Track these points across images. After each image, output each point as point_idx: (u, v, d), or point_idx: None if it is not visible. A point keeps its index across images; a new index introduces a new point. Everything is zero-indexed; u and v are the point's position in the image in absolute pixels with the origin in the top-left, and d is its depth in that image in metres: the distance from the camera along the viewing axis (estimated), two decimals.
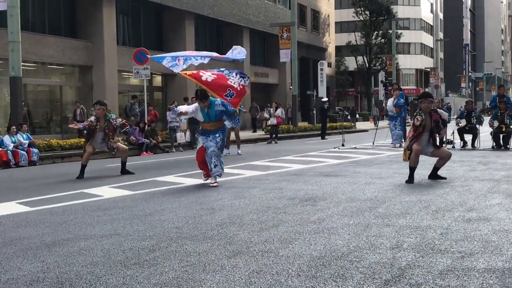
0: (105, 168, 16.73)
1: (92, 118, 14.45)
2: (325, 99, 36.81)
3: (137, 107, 27.76)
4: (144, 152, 23.48)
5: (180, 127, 25.51)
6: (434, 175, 11.65)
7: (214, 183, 11.54)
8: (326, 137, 32.44)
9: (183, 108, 12.35)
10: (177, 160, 19.55)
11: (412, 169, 11.30)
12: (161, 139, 25.33)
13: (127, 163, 14.70)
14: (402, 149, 20.23)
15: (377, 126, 26.37)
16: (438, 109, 11.68)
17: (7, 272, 5.44)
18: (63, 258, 5.88)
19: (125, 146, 14.93)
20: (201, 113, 11.82)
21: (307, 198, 9.44)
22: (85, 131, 14.56)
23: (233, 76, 15.27)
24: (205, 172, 12.01)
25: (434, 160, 12.01)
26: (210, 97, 12.03)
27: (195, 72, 15.71)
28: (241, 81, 15.28)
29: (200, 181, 12.24)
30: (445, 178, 11.56)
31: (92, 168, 17.06)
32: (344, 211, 8.12)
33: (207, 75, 14.89)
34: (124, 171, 14.44)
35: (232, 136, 21.74)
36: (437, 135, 11.71)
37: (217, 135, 11.82)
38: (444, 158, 11.59)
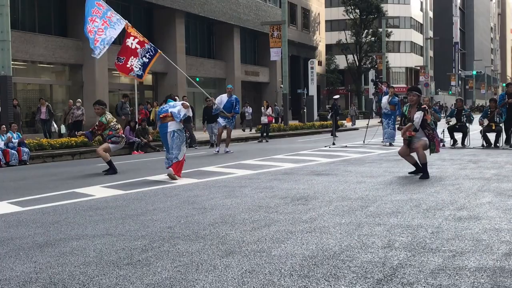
0: (96, 167, 16.69)
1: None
2: (337, 96, 36.92)
3: (128, 106, 27.65)
4: (135, 151, 23.46)
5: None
6: (417, 170, 12.02)
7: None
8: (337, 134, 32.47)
9: None
10: None
11: (414, 165, 12.10)
12: (152, 138, 25.29)
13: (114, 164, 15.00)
14: (392, 148, 20.38)
15: (368, 124, 26.40)
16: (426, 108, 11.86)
17: None
18: (56, 258, 5.87)
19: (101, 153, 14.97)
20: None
21: (298, 197, 9.47)
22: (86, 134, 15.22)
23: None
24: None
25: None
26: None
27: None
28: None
29: (193, 180, 12.29)
30: (416, 174, 11.98)
31: (83, 167, 17.05)
32: (335, 210, 8.15)
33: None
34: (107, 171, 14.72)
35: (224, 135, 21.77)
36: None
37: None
38: (417, 152, 11.82)
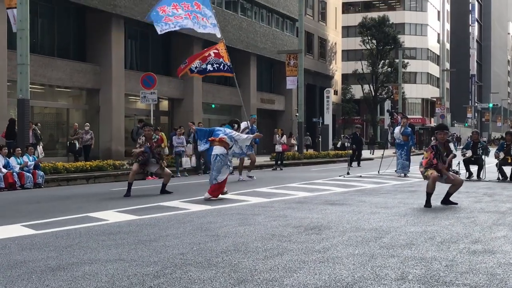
0: (110, 191, 16.73)
1: (142, 140, 15.51)
2: (358, 125, 37.14)
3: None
4: (150, 177, 23.47)
5: (186, 152, 25.52)
6: (446, 201, 12.26)
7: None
8: (360, 164, 32.69)
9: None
10: (182, 185, 19.55)
11: (428, 195, 11.96)
12: (166, 164, 25.30)
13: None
14: (407, 178, 20.30)
15: (383, 154, 26.33)
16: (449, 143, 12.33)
17: None
18: (68, 282, 5.87)
19: (169, 171, 16.17)
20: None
21: (312, 226, 9.43)
22: (144, 154, 15.45)
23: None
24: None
25: (445, 187, 12.50)
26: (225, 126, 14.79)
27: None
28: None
29: (206, 206, 12.27)
30: (456, 204, 12.20)
31: (98, 191, 17.09)
32: (349, 240, 8.10)
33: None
34: (164, 191, 15.48)
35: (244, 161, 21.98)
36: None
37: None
38: (456, 185, 12.25)
